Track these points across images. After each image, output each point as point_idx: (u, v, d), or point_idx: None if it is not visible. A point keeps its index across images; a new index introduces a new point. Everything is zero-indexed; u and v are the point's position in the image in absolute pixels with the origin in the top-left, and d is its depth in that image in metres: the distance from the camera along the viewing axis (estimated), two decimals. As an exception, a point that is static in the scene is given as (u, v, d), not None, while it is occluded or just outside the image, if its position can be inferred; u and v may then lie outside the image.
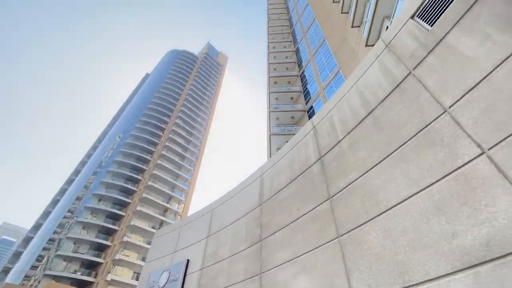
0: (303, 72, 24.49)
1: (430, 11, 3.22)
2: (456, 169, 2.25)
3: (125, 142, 50.92)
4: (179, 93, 67.49)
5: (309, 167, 4.68)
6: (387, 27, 10.40)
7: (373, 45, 12.42)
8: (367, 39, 12.21)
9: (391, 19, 10.32)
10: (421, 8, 3.39)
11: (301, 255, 3.81)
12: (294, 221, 4.37)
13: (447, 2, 2.98)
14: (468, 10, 2.68)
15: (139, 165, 48.01)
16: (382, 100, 3.50)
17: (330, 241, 3.42)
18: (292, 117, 21.10)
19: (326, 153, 4.37)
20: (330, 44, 19.71)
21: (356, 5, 13.94)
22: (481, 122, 2.19)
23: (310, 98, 21.01)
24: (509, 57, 2.18)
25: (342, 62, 16.65)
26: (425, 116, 2.75)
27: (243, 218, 5.79)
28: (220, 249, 5.80)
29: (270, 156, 17.02)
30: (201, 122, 67.66)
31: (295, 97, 23.11)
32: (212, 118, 73.74)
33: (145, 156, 49.98)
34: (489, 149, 2.06)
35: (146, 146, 51.47)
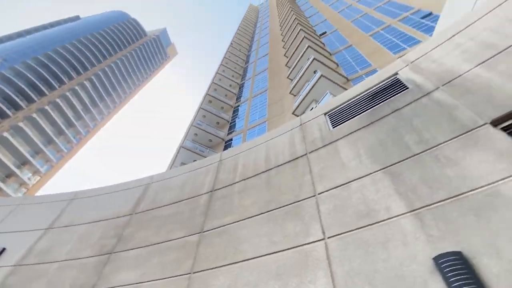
0: (238, 106, 25.68)
1: (336, 117, 4.12)
2: (303, 245, 2.71)
3: (-1, 72, 38.93)
4: (106, 56, 58.71)
5: (199, 195, 4.68)
6: (312, 109, 12.50)
7: (297, 116, 14.47)
8: (295, 109, 14.16)
9: (316, 104, 12.48)
10: (332, 111, 4.30)
11: (146, 282, 3.54)
12: (159, 243, 4.13)
13: (347, 119, 3.90)
14: (355, 131, 3.57)
15: (3, 106, 36.84)
16: (279, 165, 4.02)
17: (181, 275, 3.35)
18: (210, 140, 21.17)
19: (219, 188, 4.52)
20: (269, 96, 21.77)
21: (299, 79, 16.30)
22: (332, 215, 2.79)
23: (233, 131, 21.85)
24: (363, 176, 2.95)
25: (271, 116, 18.46)
26: (301, 193, 3.30)
27: (105, 222, 5.07)
28: (56, 248, 4.78)
29: (170, 168, 16.13)
30: (114, 99, 59.38)
31: (221, 124, 23.57)
32: (127, 101, 66.06)
33: (18, 100, 39.07)
34: (328, 238, 2.61)
35: (27, 90, 40.68)
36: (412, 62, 4.01)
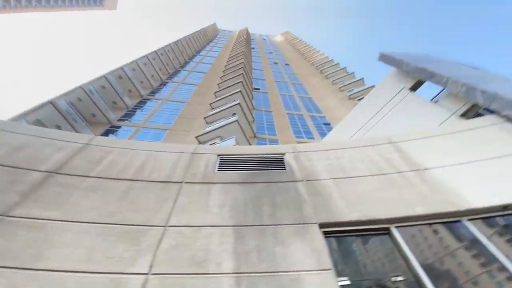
0: (148, 100, 23.55)
1: (225, 163, 4.39)
2: (122, 273, 2.45)
3: None
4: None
5: (33, 170, 3.68)
6: (213, 143, 12.91)
7: (199, 142, 14.48)
8: (201, 135, 14.22)
9: (220, 142, 12.99)
10: (226, 156, 4.57)
11: None
12: None
13: (233, 169, 4.22)
14: (232, 183, 3.86)
15: None
16: (150, 181, 3.76)
17: None
18: (93, 115, 17.87)
19: (65, 174, 3.72)
20: (184, 109, 21.17)
21: (218, 112, 16.90)
22: (169, 252, 2.71)
23: (127, 121, 19.41)
24: (216, 226, 3.11)
25: (175, 128, 17.71)
26: (154, 218, 3.12)
27: None
28: None
29: (17, 120, 12.28)
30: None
31: (118, 106, 20.63)
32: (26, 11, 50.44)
33: None
34: (152, 274, 2.47)
35: None
36: (298, 152, 4.89)
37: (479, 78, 6.03)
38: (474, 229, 3.15)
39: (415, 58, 7.78)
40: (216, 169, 4.30)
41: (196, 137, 15.06)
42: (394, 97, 7.32)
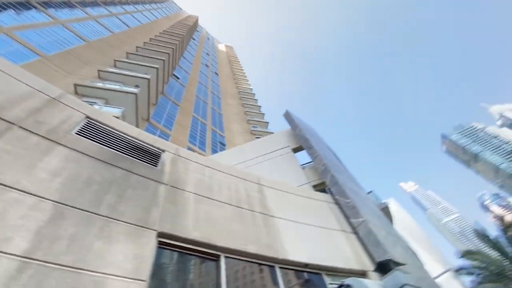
0: (33, 8, 17.86)
1: (90, 130, 3.70)
2: None
3: None
4: None
5: None
6: (93, 103, 10.83)
7: (76, 92, 11.77)
8: (85, 86, 11.62)
9: (101, 105, 11.04)
10: (94, 122, 3.86)
11: None
12: None
13: (96, 140, 3.58)
14: (86, 154, 3.25)
15: None
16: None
17: None
18: None
19: None
20: (80, 50, 17.21)
21: (119, 74, 14.63)
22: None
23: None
24: (31, 194, 2.46)
25: (54, 60, 13.88)
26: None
27: None
28: None
29: None
30: None
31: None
32: None
33: None
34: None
35: None
36: (179, 156, 4.74)
37: (334, 165, 7.89)
38: (279, 276, 3.79)
39: (307, 128, 9.46)
40: (75, 131, 3.54)
41: (76, 85, 12.18)
42: (279, 149, 8.49)
